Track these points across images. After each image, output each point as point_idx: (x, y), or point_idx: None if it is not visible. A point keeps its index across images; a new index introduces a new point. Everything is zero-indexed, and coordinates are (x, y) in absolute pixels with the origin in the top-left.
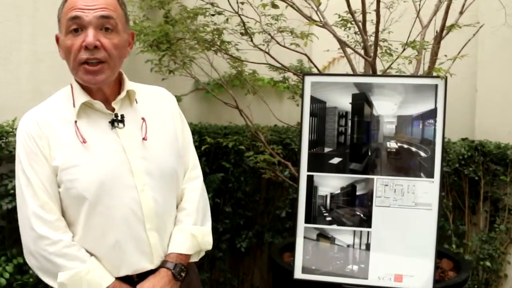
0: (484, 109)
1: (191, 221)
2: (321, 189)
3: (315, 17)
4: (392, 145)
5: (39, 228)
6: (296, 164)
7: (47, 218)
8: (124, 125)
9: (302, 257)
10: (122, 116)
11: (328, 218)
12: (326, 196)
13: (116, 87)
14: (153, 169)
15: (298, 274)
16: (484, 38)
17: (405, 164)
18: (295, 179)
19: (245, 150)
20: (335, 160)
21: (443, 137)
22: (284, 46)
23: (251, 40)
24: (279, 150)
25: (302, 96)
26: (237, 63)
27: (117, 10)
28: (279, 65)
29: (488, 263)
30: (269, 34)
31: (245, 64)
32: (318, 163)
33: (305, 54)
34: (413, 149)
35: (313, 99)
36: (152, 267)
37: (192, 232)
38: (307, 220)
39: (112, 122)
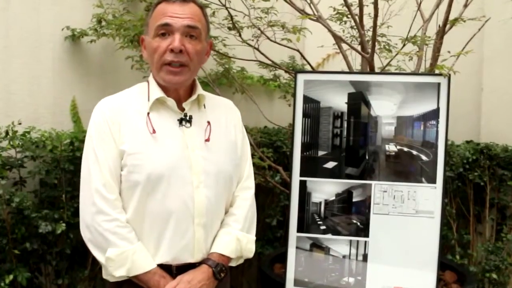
0: (491, 109)
1: (239, 227)
2: (315, 196)
3: (308, 10)
4: (391, 148)
5: (100, 204)
6: (288, 168)
7: (108, 196)
8: (191, 125)
9: (294, 268)
10: (191, 116)
11: (322, 227)
12: (320, 203)
13: (189, 90)
14: (211, 169)
15: (290, 286)
16: (491, 33)
17: (405, 168)
18: (287, 185)
19: None
20: (330, 165)
21: (446, 140)
22: (275, 42)
23: (239, 35)
24: (269, 153)
25: (294, 95)
26: (224, 59)
27: (201, 21)
28: (269, 62)
29: (494, 275)
30: (259, 29)
31: (232, 61)
32: (312, 167)
33: (298, 50)
34: (414, 152)
35: (306, 99)
36: (192, 260)
37: (238, 236)
38: (299, 229)
39: (180, 121)
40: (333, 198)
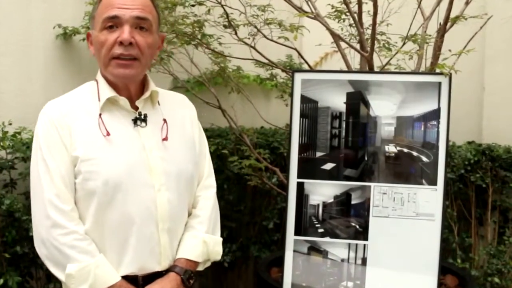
0: (493, 109)
1: (204, 229)
2: (313, 198)
3: (305, 8)
4: (391, 149)
5: (55, 216)
6: (285, 170)
7: (63, 207)
8: (146, 124)
9: (292, 272)
10: (145, 115)
11: (320, 230)
12: (318, 205)
13: (140, 87)
14: (171, 171)
15: None
16: (493, 31)
17: (405, 170)
18: (284, 187)
19: (228, 155)
20: (328, 166)
21: (447, 140)
22: (272, 40)
23: (235, 33)
24: (266, 154)
25: (291, 95)
26: (219, 58)
27: (152, 12)
28: (266, 61)
29: (496, 279)
30: (255, 27)
31: (228, 59)
32: (309, 169)
33: (295, 49)
34: (414, 153)
35: (304, 98)
36: (159, 268)
37: (205, 239)
38: (297, 232)
39: (135, 120)
40: (331, 200)
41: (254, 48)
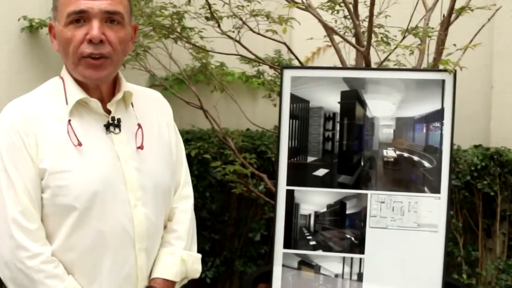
0: (502, 109)
1: (182, 245)
2: (304, 207)
3: None
4: (390, 153)
5: (19, 237)
6: (273, 176)
7: (28, 226)
8: (120, 130)
9: None
10: (119, 120)
11: (312, 242)
12: (310, 215)
13: (111, 87)
14: (147, 183)
15: None
16: (502, 24)
17: (406, 176)
18: (272, 195)
19: (211, 160)
20: (321, 172)
21: (452, 144)
22: (259, 34)
23: (218, 26)
24: (252, 159)
25: (280, 94)
26: (201, 54)
27: (123, 2)
28: (252, 57)
29: None
30: (240, 19)
31: (211, 55)
32: (300, 175)
33: (284, 43)
34: (415, 158)
35: (294, 98)
36: None
37: (183, 257)
38: (286, 245)
39: (107, 126)
40: (324, 210)
41: (239, 42)
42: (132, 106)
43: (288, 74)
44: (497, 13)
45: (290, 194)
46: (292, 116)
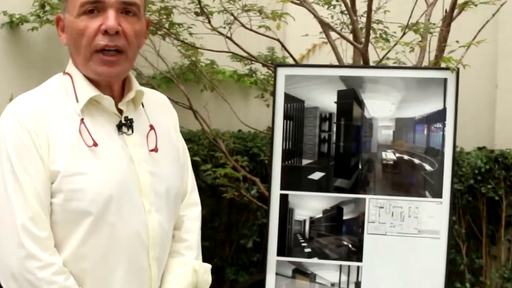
0: (507, 109)
1: (193, 255)
2: (298, 213)
3: None
4: (389, 156)
5: (30, 246)
6: (266, 180)
7: (38, 234)
8: (132, 131)
9: None
10: (131, 120)
11: (307, 250)
12: (305, 221)
13: (121, 85)
14: (160, 188)
15: None
16: (507, 20)
17: (406, 180)
18: (265, 200)
19: (201, 163)
20: (316, 175)
21: (454, 146)
22: (251, 30)
23: (209, 22)
24: (244, 162)
25: (273, 93)
26: (190, 51)
27: None
28: (244, 54)
29: None
30: (232, 14)
31: (200, 52)
32: (294, 179)
33: (278, 40)
34: (416, 161)
35: (288, 97)
36: None
37: (195, 267)
38: (280, 252)
39: (119, 126)
40: (320, 215)
41: (230, 39)
42: (143, 106)
43: (282, 72)
44: (502, 8)
45: (284, 199)
46: (286, 116)
